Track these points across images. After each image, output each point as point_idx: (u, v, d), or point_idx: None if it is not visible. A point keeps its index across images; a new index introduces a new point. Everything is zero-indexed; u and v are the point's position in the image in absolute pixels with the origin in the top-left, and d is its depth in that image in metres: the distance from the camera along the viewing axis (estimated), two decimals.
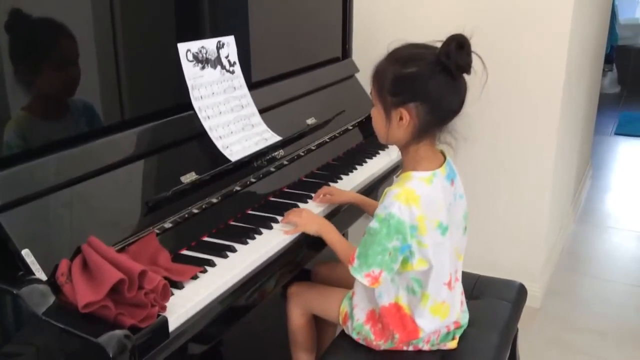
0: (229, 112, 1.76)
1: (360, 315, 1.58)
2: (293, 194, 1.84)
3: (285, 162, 1.92)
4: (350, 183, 1.95)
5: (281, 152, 1.90)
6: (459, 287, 1.58)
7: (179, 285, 1.34)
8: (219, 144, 1.68)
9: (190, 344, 1.29)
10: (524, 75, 2.61)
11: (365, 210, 1.77)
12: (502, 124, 2.69)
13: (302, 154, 2.02)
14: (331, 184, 1.92)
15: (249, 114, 1.83)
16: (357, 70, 2.47)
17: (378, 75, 1.44)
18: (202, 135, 1.68)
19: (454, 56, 1.32)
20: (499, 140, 2.72)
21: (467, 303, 1.66)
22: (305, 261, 1.70)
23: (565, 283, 3.08)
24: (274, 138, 1.84)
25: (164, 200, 1.50)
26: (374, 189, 2.03)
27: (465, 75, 1.40)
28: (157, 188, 1.52)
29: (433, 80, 1.35)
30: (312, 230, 1.58)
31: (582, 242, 3.53)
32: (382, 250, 1.39)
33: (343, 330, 1.65)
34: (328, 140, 2.18)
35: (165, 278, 1.31)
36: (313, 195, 1.81)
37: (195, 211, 1.58)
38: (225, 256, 1.48)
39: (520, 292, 1.88)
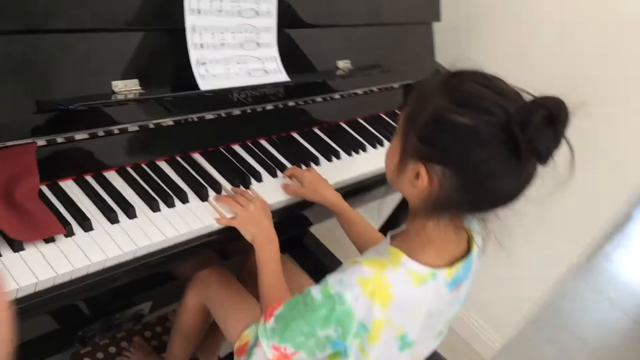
0: (232, 15, 1.23)
1: (260, 358, 1.17)
2: (262, 154, 1.35)
3: (281, 106, 1.42)
4: (345, 168, 1.46)
5: (281, 92, 1.38)
6: None
7: (15, 246, 0.91)
8: (193, 56, 1.17)
9: None
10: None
11: (342, 224, 1.30)
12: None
13: (310, 102, 1.50)
14: (322, 161, 1.43)
15: (261, 27, 1.29)
16: (438, 19, 1.88)
17: (417, 96, 0.91)
18: (177, 33, 1.16)
19: (534, 132, 0.80)
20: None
21: None
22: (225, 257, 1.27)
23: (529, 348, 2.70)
24: (276, 75, 1.32)
25: (71, 105, 1.02)
26: (376, 185, 1.53)
27: None
28: (70, 85, 1.04)
29: (486, 149, 0.83)
30: (247, 233, 1.14)
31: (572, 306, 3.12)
32: (309, 333, 0.96)
33: (231, 354, 1.25)
34: (358, 93, 1.65)
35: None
36: (288, 166, 1.34)
37: (111, 132, 1.11)
38: (114, 220, 1.03)
39: None
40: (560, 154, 0.84)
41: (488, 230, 0.93)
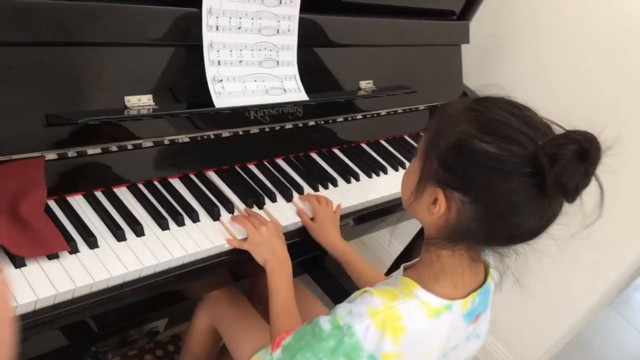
0: (251, 32, 1.21)
1: None
2: (279, 174, 1.32)
3: (300, 125, 1.39)
4: (364, 190, 1.42)
5: (300, 111, 1.35)
6: None
7: (17, 262, 0.89)
8: (210, 72, 1.15)
9: None
10: None
11: (348, 272, 1.25)
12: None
13: (330, 122, 1.47)
14: (340, 183, 1.39)
15: (281, 45, 1.27)
16: (467, 41, 1.83)
17: (441, 120, 0.87)
18: (193, 49, 1.14)
19: (563, 167, 0.74)
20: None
21: None
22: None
23: None
24: (295, 94, 1.30)
25: (80, 120, 1.00)
26: (395, 209, 1.48)
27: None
28: (81, 99, 1.03)
29: (510, 181, 0.78)
30: (259, 256, 1.10)
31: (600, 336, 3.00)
32: None
33: None
34: (381, 114, 1.62)
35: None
36: (306, 191, 1.30)
37: (125, 147, 1.09)
38: (121, 238, 1.01)
39: None
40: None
41: (506, 266, 0.88)
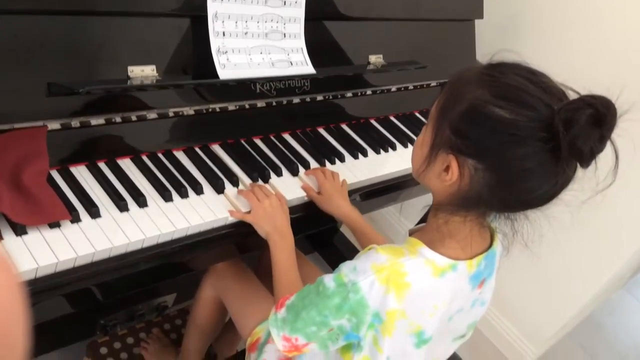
0: (258, 3, 1.19)
1: (270, 356, 1.14)
2: (285, 148, 1.31)
3: (308, 100, 1.37)
4: (372, 166, 1.40)
5: (307, 84, 1.34)
6: None
7: (18, 230, 0.89)
8: (215, 43, 1.14)
9: None
10: None
11: (359, 240, 1.24)
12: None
13: (339, 96, 1.45)
14: (347, 158, 1.38)
15: (288, 17, 1.25)
16: (481, 16, 1.80)
17: (453, 86, 0.85)
18: (198, 19, 1.13)
19: (578, 131, 0.73)
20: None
21: None
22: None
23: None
24: (302, 67, 1.28)
25: (81, 89, 1.00)
26: (404, 186, 1.46)
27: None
28: (84, 69, 1.02)
29: (525, 147, 0.77)
30: (261, 230, 1.09)
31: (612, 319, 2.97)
32: (321, 323, 0.91)
33: (245, 351, 1.22)
34: (391, 90, 1.59)
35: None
36: (312, 166, 1.29)
37: (129, 119, 1.09)
38: (123, 208, 1.01)
39: None
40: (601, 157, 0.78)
41: (515, 230, 0.86)
